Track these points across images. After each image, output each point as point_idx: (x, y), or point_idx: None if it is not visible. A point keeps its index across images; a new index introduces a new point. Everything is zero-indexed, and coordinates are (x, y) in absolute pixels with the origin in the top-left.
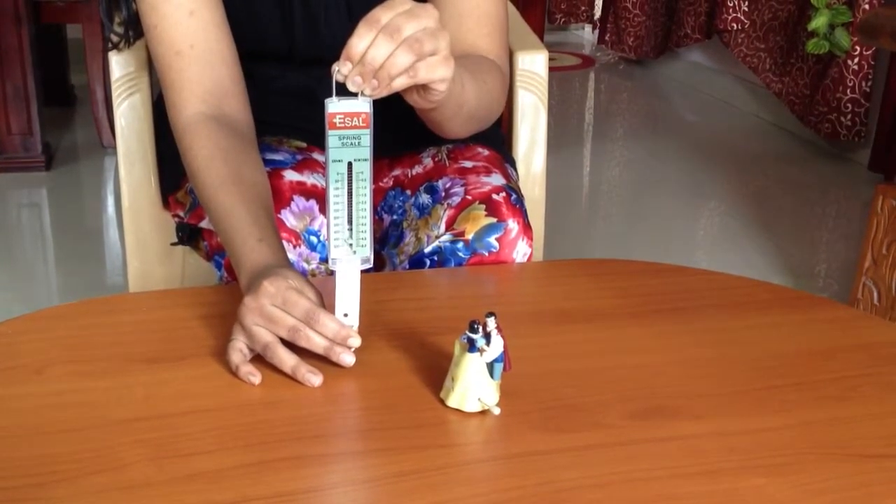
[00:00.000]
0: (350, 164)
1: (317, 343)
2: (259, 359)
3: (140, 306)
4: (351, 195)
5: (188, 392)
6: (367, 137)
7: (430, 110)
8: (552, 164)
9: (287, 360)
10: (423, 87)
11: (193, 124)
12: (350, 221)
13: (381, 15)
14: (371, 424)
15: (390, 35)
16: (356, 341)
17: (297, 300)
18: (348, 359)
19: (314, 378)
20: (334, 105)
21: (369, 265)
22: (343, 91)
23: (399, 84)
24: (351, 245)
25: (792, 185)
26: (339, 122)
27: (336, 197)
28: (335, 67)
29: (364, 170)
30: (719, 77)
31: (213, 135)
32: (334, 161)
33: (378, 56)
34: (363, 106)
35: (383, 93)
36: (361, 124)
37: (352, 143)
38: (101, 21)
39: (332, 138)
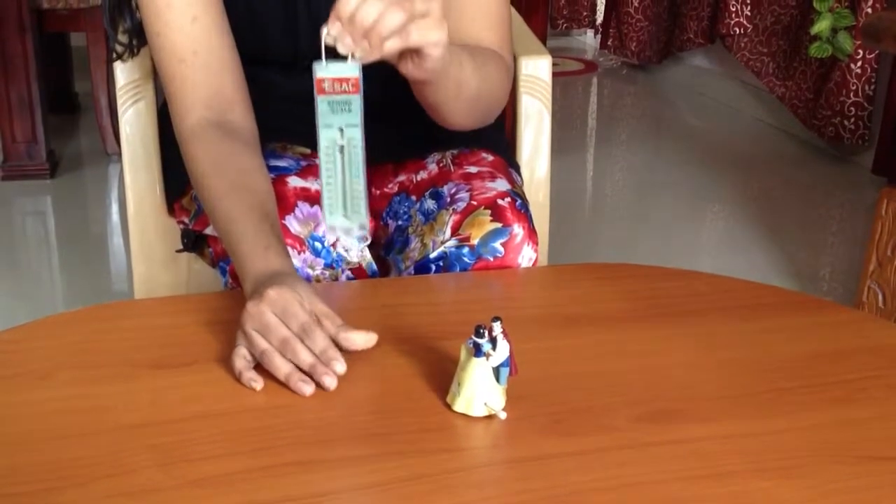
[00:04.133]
0: (341, 130)
1: (302, 359)
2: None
3: (145, 312)
4: (343, 163)
5: (195, 397)
6: (357, 103)
7: (428, 87)
8: (556, 169)
9: (282, 367)
10: (416, 54)
11: (197, 132)
12: (343, 189)
13: None
14: (377, 429)
15: None
16: (341, 368)
17: (297, 312)
18: (329, 381)
19: (306, 387)
20: (322, 69)
21: (364, 232)
22: (335, 57)
23: (391, 47)
24: (345, 213)
25: (796, 189)
26: (328, 88)
27: (328, 165)
28: (324, 29)
29: (355, 136)
30: (722, 81)
31: (217, 142)
32: (325, 126)
33: (368, 15)
34: (353, 70)
35: (375, 55)
36: (351, 89)
37: (342, 109)
38: (105, 29)
39: (322, 104)
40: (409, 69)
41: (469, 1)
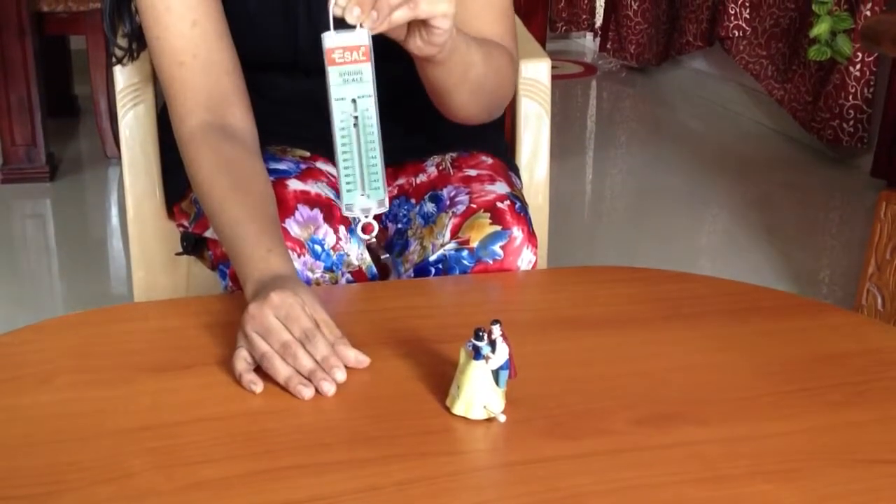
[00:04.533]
0: (354, 101)
1: (303, 364)
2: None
3: (145, 315)
4: (359, 137)
5: (195, 400)
6: (368, 71)
7: (436, 69)
8: (555, 172)
9: (281, 370)
10: (424, 27)
11: (197, 135)
12: (361, 165)
13: None
14: (377, 432)
15: None
16: (341, 376)
17: (299, 317)
18: (328, 387)
19: (305, 390)
20: (331, 38)
21: (385, 209)
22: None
23: (399, 17)
24: (364, 191)
25: (795, 192)
26: (339, 58)
27: (344, 140)
28: (332, 0)
29: (369, 107)
30: (721, 84)
31: (217, 145)
32: (337, 100)
33: None
34: (362, 37)
35: (384, 26)
36: (362, 58)
37: (353, 79)
38: (105, 33)
39: (333, 75)
40: (417, 45)
41: None
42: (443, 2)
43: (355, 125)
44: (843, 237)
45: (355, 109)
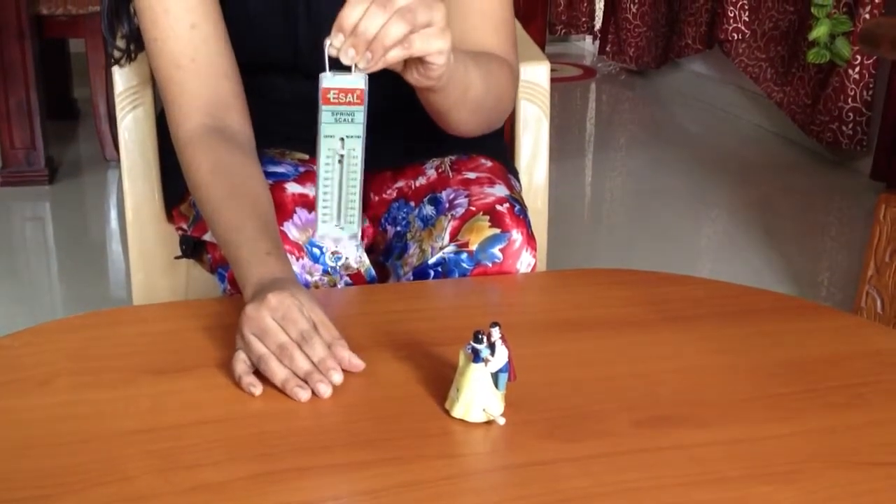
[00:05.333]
0: (342, 140)
1: (299, 366)
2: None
3: (144, 318)
4: (341, 173)
5: (194, 403)
6: (360, 114)
7: (434, 94)
8: (555, 175)
9: (278, 372)
10: (420, 63)
11: (195, 138)
12: (339, 199)
13: None
14: (376, 435)
15: (383, 5)
16: (338, 378)
17: (297, 318)
18: (324, 388)
19: (302, 393)
20: (328, 80)
21: (355, 242)
22: (338, 67)
23: (394, 56)
24: (339, 223)
25: (794, 194)
26: (334, 98)
27: (326, 174)
28: (328, 41)
29: (356, 147)
30: (720, 87)
31: (215, 149)
32: (326, 137)
33: (371, 27)
34: (358, 82)
35: (378, 66)
36: (356, 101)
37: (345, 119)
38: (104, 36)
39: (325, 114)
40: (414, 78)
41: (472, 7)
42: (437, 39)
43: (340, 161)
44: (843, 240)
45: (342, 147)
